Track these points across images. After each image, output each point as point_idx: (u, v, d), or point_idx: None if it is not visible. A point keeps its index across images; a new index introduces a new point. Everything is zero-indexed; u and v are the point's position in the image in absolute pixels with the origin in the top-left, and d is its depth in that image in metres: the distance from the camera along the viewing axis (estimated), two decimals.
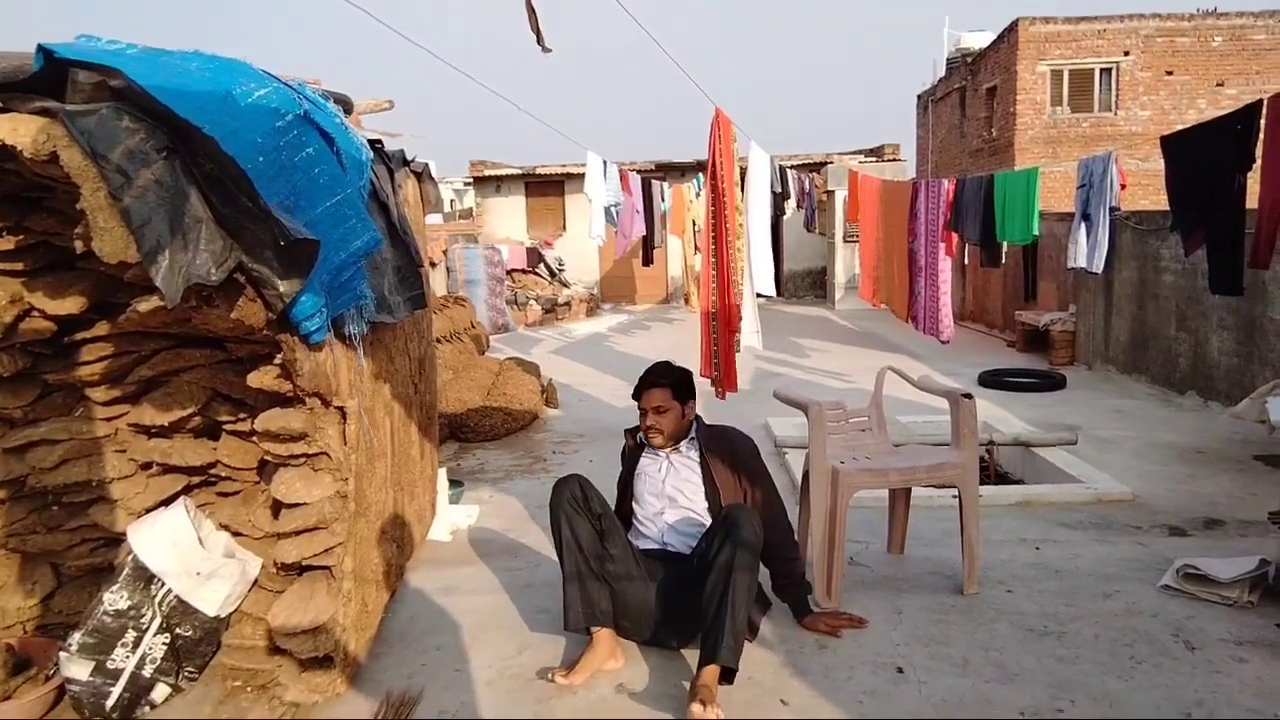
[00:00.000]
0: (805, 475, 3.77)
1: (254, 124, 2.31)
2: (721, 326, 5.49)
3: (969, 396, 3.68)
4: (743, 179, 5.85)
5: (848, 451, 3.79)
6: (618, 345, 12.75)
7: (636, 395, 3.36)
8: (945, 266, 7.86)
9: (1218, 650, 3.09)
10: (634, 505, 3.37)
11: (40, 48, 2.14)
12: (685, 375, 3.39)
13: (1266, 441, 5.85)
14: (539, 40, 2.71)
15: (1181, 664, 3.00)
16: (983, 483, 4.57)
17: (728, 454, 3.31)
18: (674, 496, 3.28)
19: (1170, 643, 3.15)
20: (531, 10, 2.54)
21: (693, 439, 3.37)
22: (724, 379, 5.60)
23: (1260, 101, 4.43)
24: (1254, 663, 3.00)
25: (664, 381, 3.32)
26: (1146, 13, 18.00)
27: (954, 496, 3.72)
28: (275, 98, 2.41)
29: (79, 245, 2.32)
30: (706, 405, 7.58)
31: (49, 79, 2.16)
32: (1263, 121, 4.38)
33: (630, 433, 3.50)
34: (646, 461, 3.39)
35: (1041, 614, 3.40)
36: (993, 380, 8.51)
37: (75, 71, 2.13)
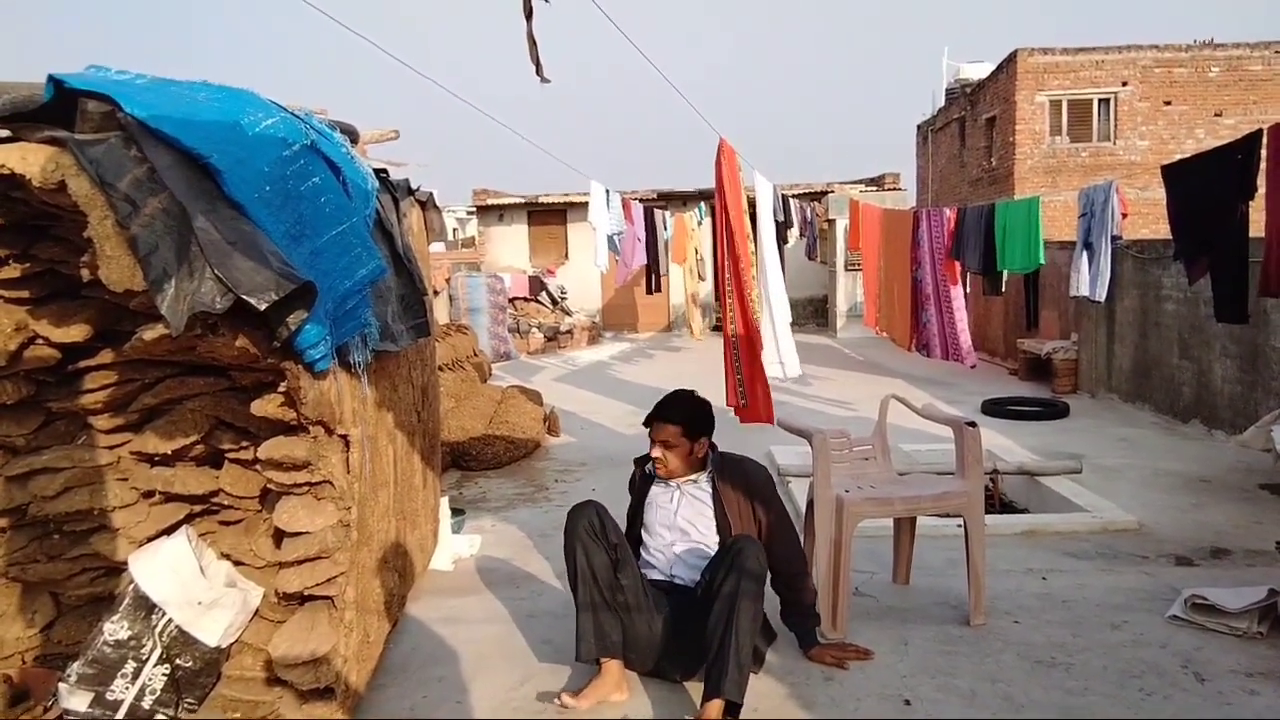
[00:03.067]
0: (809, 504, 3.75)
1: (261, 153, 2.33)
2: (745, 354, 5.46)
3: (973, 425, 3.67)
4: (752, 209, 5.86)
5: (852, 480, 3.78)
6: (620, 373, 12.75)
7: (648, 423, 3.31)
8: (957, 293, 7.85)
9: (1228, 682, 3.05)
10: (643, 535, 3.33)
11: (50, 78, 2.16)
12: (699, 411, 3.29)
13: (1272, 470, 5.82)
14: (538, 71, 2.73)
15: (1191, 696, 2.97)
16: (988, 512, 4.54)
17: (741, 485, 3.27)
18: (686, 529, 3.23)
19: (1179, 674, 3.12)
20: (532, 41, 2.56)
21: (707, 470, 3.33)
22: (750, 408, 5.55)
23: (1260, 131, 4.45)
24: (1265, 694, 2.96)
25: (676, 418, 3.24)
26: (1144, 44, 18.17)
27: (959, 526, 3.70)
28: (282, 127, 2.43)
29: (85, 273, 2.33)
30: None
31: (59, 109, 2.18)
32: (1264, 151, 4.40)
33: (639, 462, 3.46)
34: (658, 491, 3.34)
35: (1049, 645, 3.37)
36: (995, 409, 8.49)
37: (84, 101, 2.15)
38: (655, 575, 3.24)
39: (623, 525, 3.28)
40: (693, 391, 3.38)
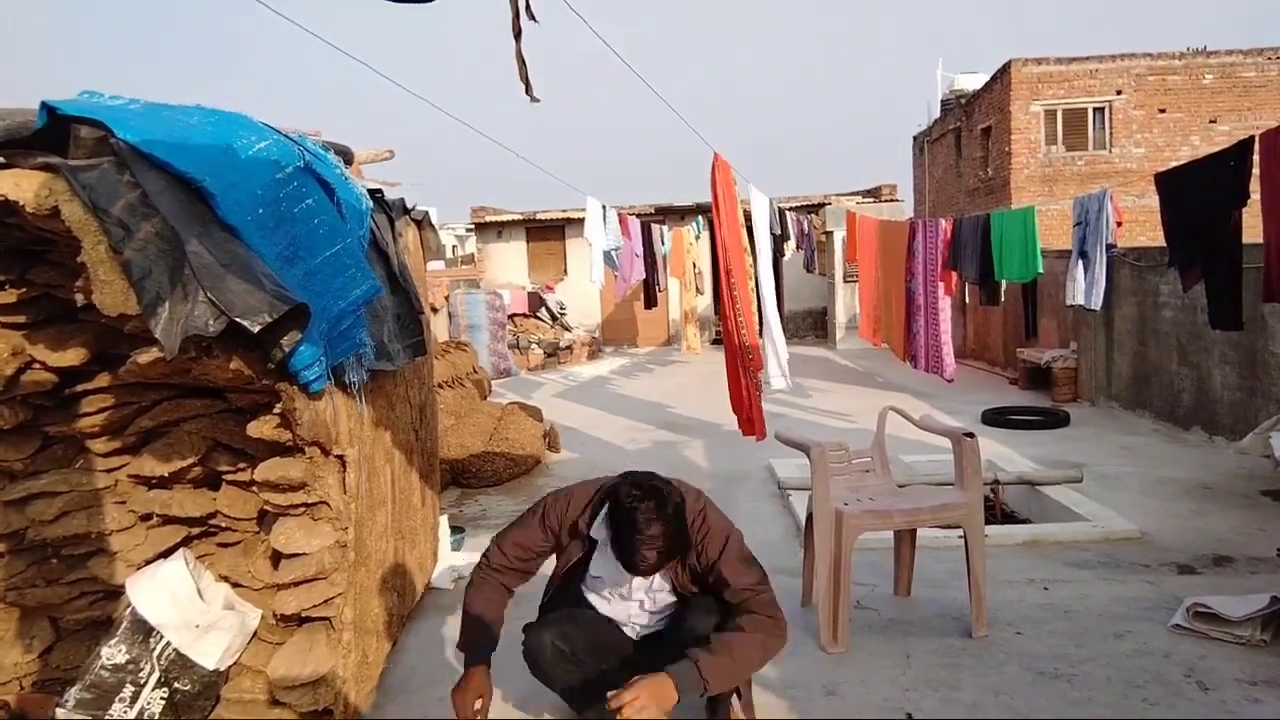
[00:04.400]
0: (809, 518, 3.74)
1: (254, 176, 2.34)
2: (750, 368, 5.46)
3: (971, 435, 3.67)
4: (748, 222, 5.89)
5: (851, 493, 3.77)
6: (620, 388, 12.74)
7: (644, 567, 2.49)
8: (945, 305, 7.87)
9: (1231, 691, 3.04)
10: (587, 593, 2.86)
11: (44, 104, 2.17)
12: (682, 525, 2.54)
13: (1273, 476, 5.81)
14: (528, 90, 2.75)
15: (1195, 706, 2.96)
16: (989, 522, 4.53)
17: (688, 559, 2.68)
18: (645, 601, 2.81)
19: (1183, 684, 3.10)
20: (521, 61, 2.58)
21: None
22: (754, 422, 5.55)
23: (1253, 137, 4.46)
24: (1269, 703, 2.95)
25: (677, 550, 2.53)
26: (1138, 52, 18.25)
27: (960, 537, 3.69)
28: (276, 150, 2.44)
29: (80, 298, 2.34)
30: (710, 445, 7.59)
31: (52, 135, 2.19)
32: (1256, 157, 4.40)
33: (575, 530, 2.74)
34: (603, 562, 2.73)
35: (1052, 656, 3.35)
36: (996, 418, 8.48)
37: (77, 127, 2.16)
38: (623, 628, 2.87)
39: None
40: (657, 487, 2.50)
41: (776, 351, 6.12)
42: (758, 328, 5.61)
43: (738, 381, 5.49)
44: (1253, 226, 4.37)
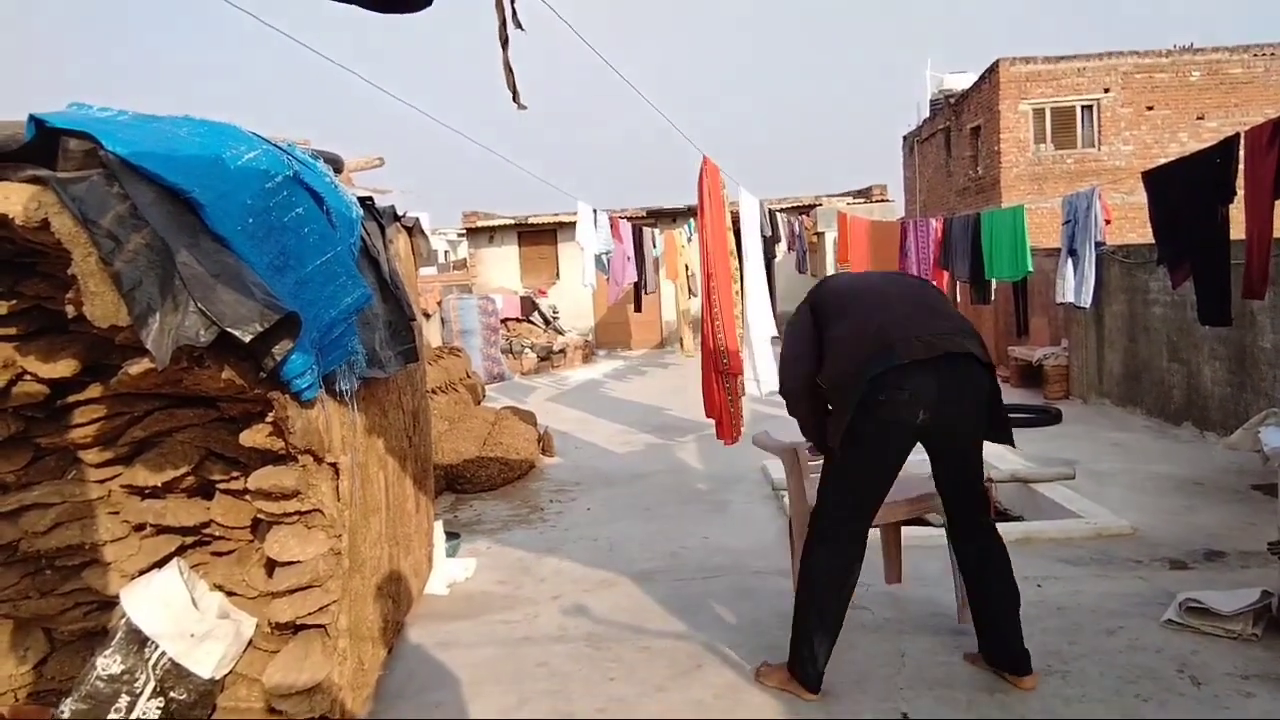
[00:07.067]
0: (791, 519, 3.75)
1: (244, 186, 2.35)
2: (718, 372, 5.47)
3: None
4: (735, 225, 5.89)
5: None
6: (614, 391, 12.74)
7: None
8: None
9: (1224, 685, 3.06)
10: None
11: (32, 117, 2.18)
12: None
13: (1263, 471, 5.83)
14: (515, 98, 2.76)
15: (1188, 700, 2.97)
16: None
17: None
18: None
19: (1176, 679, 3.12)
20: (508, 69, 2.60)
21: None
22: (723, 426, 5.57)
23: (1239, 134, 4.50)
24: (1261, 697, 2.97)
25: None
26: (1125, 50, 18.36)
27: None
28: (265, 160, 2.44)
29: (71, 310, 2.34)
30: (703, 448, 7.60)
31: (41, 148, 2.20)
32: (1241, 153, 4.44)
33: None
34: None
35: (1045, 653, 3.36)
36: None
37: (66, 140, 2.16)
38: None
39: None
40: None
41: (753, 356, 6.08)
42: (738, 332, 5.61)
43: (710, 385, 5.50)
44: (1239, 222, 4.40)
